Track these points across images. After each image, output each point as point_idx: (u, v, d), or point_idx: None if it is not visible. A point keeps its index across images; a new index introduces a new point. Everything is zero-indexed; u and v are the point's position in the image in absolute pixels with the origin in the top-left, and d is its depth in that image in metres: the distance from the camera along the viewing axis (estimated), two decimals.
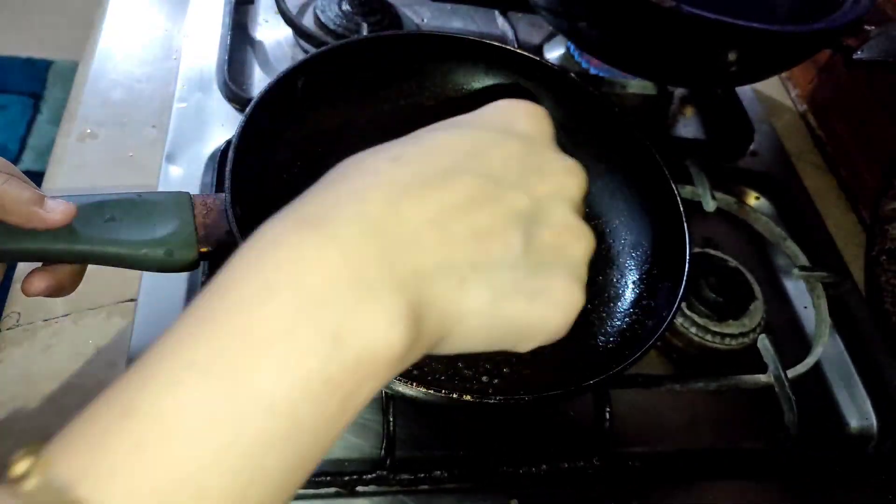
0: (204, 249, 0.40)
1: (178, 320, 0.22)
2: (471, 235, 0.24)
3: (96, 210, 0.38)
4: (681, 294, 0.45)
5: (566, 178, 0.28)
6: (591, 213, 0.55)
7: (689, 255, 0.47)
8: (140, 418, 0.19)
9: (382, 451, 0.45)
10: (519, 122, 0.28)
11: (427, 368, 0.46)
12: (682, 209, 0.49)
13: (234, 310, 0.21)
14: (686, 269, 0.46)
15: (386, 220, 0.23)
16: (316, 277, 0.22)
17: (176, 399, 0.20)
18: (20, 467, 0.19)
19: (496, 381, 0.46)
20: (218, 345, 0.20)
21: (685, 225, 0.49)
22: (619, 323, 0.49)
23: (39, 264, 0.39)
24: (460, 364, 0.46)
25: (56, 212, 0.36)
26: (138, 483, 0.18)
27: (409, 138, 0.27)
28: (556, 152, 0.28)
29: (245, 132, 0.45)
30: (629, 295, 0.51)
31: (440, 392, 0.37)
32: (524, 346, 0.27)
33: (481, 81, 0.59)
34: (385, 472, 0.45)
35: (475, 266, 0.24)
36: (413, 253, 0.23)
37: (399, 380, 0.37)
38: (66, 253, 0.37)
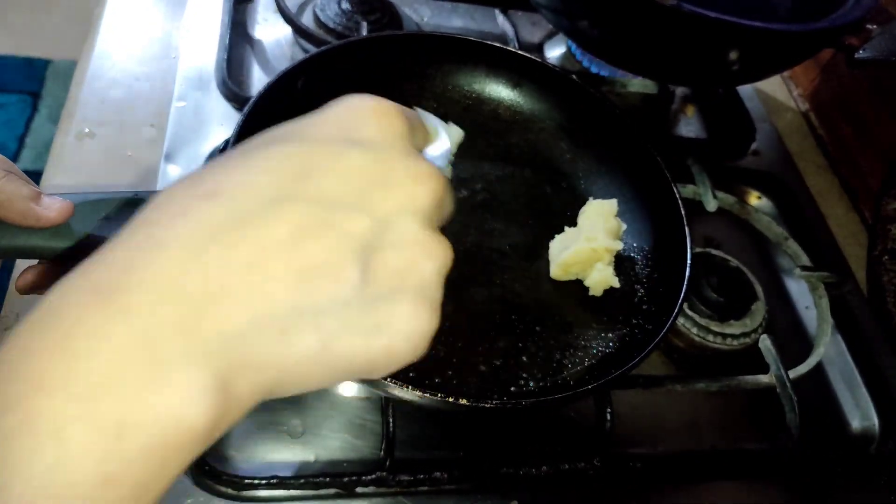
0: None
1: None
2: (295, 276, 0.22)
3: (92, 208, 0.38)
4: (682, 294, 0.45)
5: (414, 186, 0.24)
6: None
7: (690, 257, 0.47)
8: None
9: (382, 453, 0.45)
10: (363, 125, 0.25)
11: (426, 368, 0.46)
12: (682, 211, 0.49)
13: (3, 406, 0.19)
14: (687, 271, 0.46)
15: (187, 277, 0.21)
16: (96, 364, 0.19)
17: None
18: None
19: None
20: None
21: (686, 227, 0.48)
22: (619, 325, 0.49)
23: (35, 262, 0.39)
24: (455, 360, 0.46)
25: (53, 209, 0.35)
26: None
27: (229, 159, 0.24)
28: (405, 157, 0.25)
29: (243, 132, 0.44)
30: (630, 297, 0.51)
31: (436, 396, 0.37)
32: (376, 376, 0.25)
33: (482, 82, 0.58)
34: (384, 474, 0.44)
35: (299, 311, 0.22)
36: (219, 313, 0.21)
37: (395, 383, 0.37)
38: (61, 250, 0.36)
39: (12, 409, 0.19)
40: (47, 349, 0.19)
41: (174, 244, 0.21)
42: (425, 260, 0.24)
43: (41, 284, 0.38)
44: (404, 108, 0.26)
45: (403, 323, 0.23)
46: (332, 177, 0.23)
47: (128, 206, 0.39)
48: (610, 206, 0.49)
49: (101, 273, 0.21)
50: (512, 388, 0.44)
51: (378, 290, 0.23)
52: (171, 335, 0.20)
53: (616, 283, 0.49)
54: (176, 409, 0.20)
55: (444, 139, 0.32)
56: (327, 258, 0.22)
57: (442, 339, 0.44)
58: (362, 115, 0.25)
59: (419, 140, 0.28)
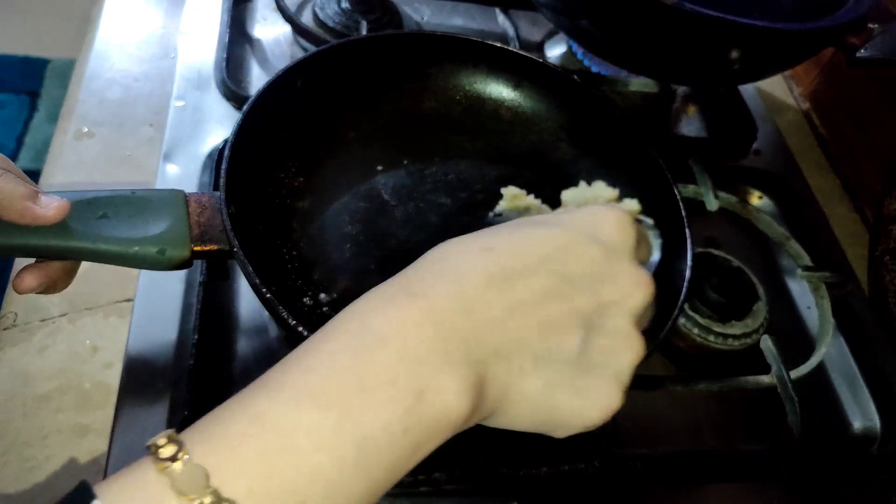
0: (197, 248, 0.39)
1: (302, 347, 0.26)
2: (538, 328, 0.28)
3: (89, 207, 0.38)
4: (683, 295, 0.45)
5: (633, 288, 0.30)
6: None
7: (692, 257, 0.47)
8: (265, 428, 0.23)
9: None
10: (605, 229, 0.31)
11: None
12: (683, 211, 0.49)
13: (350, 352, 0.25)
14: (688, 271, 0.46)
15: (473, 303, 0.27)
16: (416, 338, 0.26)
17: (294, 420, 0.24)
18: (167, 450, 0.23)
19: None
20: (334, 380, 0.25)
21: (687, 227, 0.48)
22: None
23: (32, 261, 0.38)
24: None
25: (50, 207, 0.35)
26: (259, 485, 0.23)
27: (502, 228, 0.31)
28: (631, 263, 0.31)
29: (242, 131, 0.44)
30: None
31: None
32: (560, 434, 0.31)
33: (483, 82, 0.58)
34: None
35: (536, 356, 0.28)
36: (489, 336, 0.27)
37: None
38: (59, 249, 0.36)
39: (363, 352, 0.25)
40: (384, 319, 0.26)
41: (466, 278, 0.28)
42: (627, 350, 0.30)
43: (39, 284, 0.38)
44: (637, 224, 0.33)
45: (602, 394, 0.29)
46: (576, 261, 0.29)
47: (126, 205, 0.39)
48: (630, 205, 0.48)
49: (417, 283, 0.28)
50: None
51: (589, 361, 0.29)
52: (461, 339, 0.26)
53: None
54: (454, 395, 0.26)
55: (657, 255, 0.43)
56: (561, 321, 0.28)
57: None
58: (606, 220, 0.31)
59: (642, 252, 0.33)
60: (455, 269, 0.28)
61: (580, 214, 0.32)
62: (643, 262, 0.33)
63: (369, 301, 0.27)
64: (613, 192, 0.45)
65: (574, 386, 0.29)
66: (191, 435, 0.24)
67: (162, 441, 0.23)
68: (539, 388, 0.28)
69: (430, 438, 0.25)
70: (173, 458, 0.22)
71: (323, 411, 0.24)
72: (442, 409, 0.25)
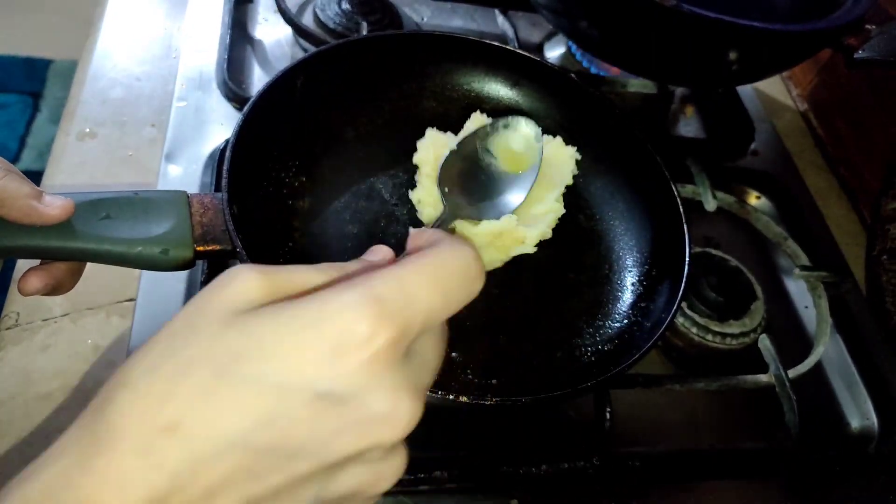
0: (200, 248, 0.40)
1: None
2: None
3: (92, 207, 0.38)
4: (680, 294, 0.45)
5: (380, 431, 0.23)
6: (590, 213, 0.55)
7: (689, 256, 0.47)
8: None
9: None
10: (347, 352, 0.22)
11: None
12: (681, 210, 0.49)
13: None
14: (686, 270, 0.46)
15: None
16: None
17: None
18: None
19: (494, 381, 0.45)
20: None
21: (685, 225, 0.48)
22: (618, 324, 0.49)
23: (36, 263, 0.39)
24: (455, 355, 0.46)
25: (54, 207, 0.36)
26: None
27: (198, 384, 0.22)
28: (379, 389, 0.23)
29: (243, 131, 0.45)
30: (628, 296, 0.51)
31: (436, 393, 0.37)
32: None
33: (481, 81, 0.58)
34: None
35: None
36: None
37: None
38: (62, 250, 0.36)
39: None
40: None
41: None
42: (380, 482, 0.25)
43: (44, 285, 0.38)
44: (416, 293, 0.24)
45: None
46: (291, 428, 0.22)
47: (129, 205, 0.39)
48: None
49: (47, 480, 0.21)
50: (512, 386, 0.44)
51: None
52: None
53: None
54: None
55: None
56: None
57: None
58: (355, 338, 0.23)
59: (426, 344, 0.26)
60: (102, 480, 0.21)
61: (313, 338, 0.22)
62: (434, 344, 0.26)
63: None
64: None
65: None
66: None
67: None
68: None
69: None
70: None
71: None
72: None
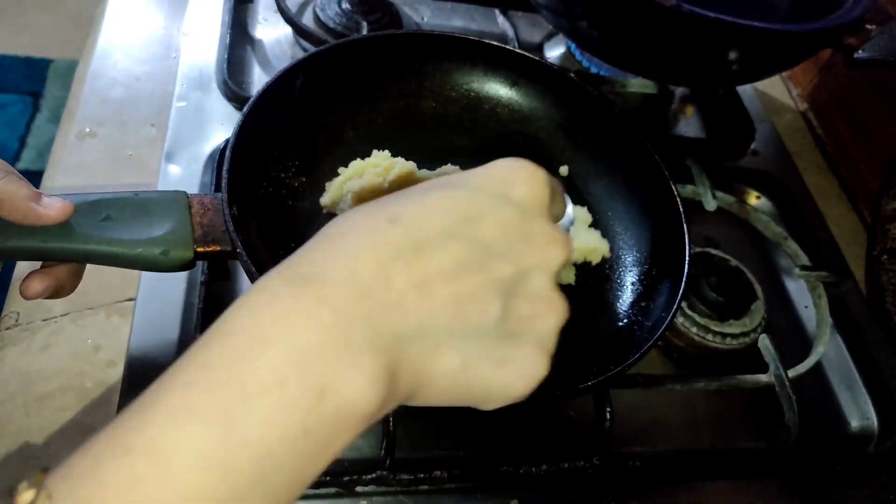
0: (200, 249, 0.40)
1: (176, 364, 0.23)
2: (452, 301, 0.26)
3: (92, 208, 0.38)
4: (680, 294, 0.45)
5: (551, 248, 0.28)
6: (590, 213, 0.55)
7: (689, 255, 0.47)
8: (137, 456, 0.21)
9: (382, 451, 0.45)
10: (517, 187, 0.29)
11: None
12: (681, 209, 0.49)
13: (230, 359, 0.23)
14: (686, 269, 0.46)
15: (375, 283, 0.25)
16: (306, 335, 0.23)
17: (171, 439, 0.21)
18: (26, 497, 0.20)
19: None
20: (213, 391, 0.22)
21: (685, 225, 0.48)
22: (618, 324, 0.49)
23: (37, 266, 0.39)
24: None
25: (53, 208, 0.36)
26: None
27: (409, 195, 0.28)
28: (547, 222, 0.29)
29: (242, 131, 0.45)
30: (628, 296, 0.51)
31: None
32: (486, 407, 0.28)
33: (481, 81, 0.58)
34: (385, 472, 0.45)
35: (452, 331, 0.26)
36: (396, 317, 0.25)
37: None
38: (62, 251, 0.36)
39: (245, 357, 0.23)
40: (268, 315, 0.24)
41: (365, 255, 0.25)
42: (549, 314, 0.28)
43: (46, 288, 0.38)
44: (551, 177, 0.30)
45: (525, 363, 0.28)
46: (491, 225, 0.27)
47: (129, 206, 0.39)
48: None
49: (308, 265, 0.25)
50: None
51: (510, 330, 0.27)
52: (361, 326, 0.24)
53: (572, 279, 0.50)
54: (360, 388, 0.23)
55: (570, 211, 0.42)
56: (477, 291, 0.26)
57: None
58: (518, 177, 0.29)
59: (557, 207, 0.31)
60: (355, 247, 0.25)
61: (491, 172, 0.29)
62: (557, 218, 0.32)
63: (252, 297, 0.24)
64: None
65: (495, 357, 0.27)
66: (58, 474, 0.21)
67: (22, 486, 0.21)
68: (458, 365, 0.26)
69: (338, 436, 0.24)
70: None
71: (204, 427, 0.21)
72: (347, 404, 0.23)
